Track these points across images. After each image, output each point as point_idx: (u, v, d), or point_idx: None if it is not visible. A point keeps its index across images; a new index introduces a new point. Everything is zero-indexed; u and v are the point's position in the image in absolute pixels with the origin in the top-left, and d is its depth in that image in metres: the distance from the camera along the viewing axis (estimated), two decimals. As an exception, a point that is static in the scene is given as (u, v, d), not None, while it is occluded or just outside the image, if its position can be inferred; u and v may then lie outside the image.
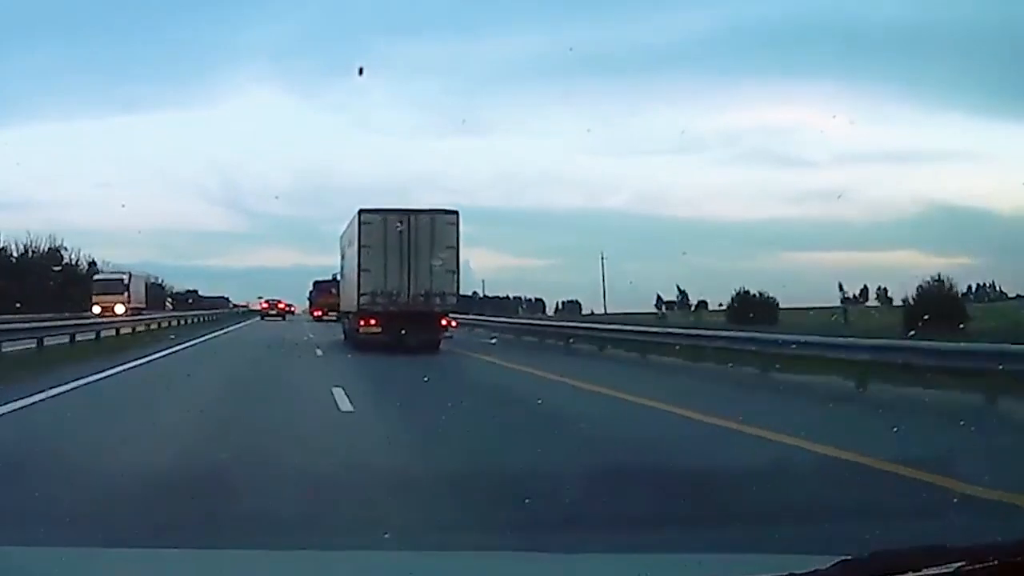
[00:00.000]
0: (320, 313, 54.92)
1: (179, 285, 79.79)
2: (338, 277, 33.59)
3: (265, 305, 68.32)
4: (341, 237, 30.29)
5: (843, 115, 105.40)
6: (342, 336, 29.62)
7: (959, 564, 1.94)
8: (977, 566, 1.95)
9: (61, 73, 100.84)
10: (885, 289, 62.90)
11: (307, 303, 63.23)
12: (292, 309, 69.52)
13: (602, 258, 64.87)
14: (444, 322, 25.22)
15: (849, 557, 2.11)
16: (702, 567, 2.91)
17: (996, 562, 1.96)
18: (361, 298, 24.57)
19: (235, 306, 72.40)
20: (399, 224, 24.35)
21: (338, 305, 49.87)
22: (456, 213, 25.24)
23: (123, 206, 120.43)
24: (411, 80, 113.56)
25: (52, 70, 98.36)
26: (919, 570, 1.94)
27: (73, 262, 64.97)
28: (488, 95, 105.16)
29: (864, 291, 67.97)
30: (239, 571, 2.93)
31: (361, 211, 24.78)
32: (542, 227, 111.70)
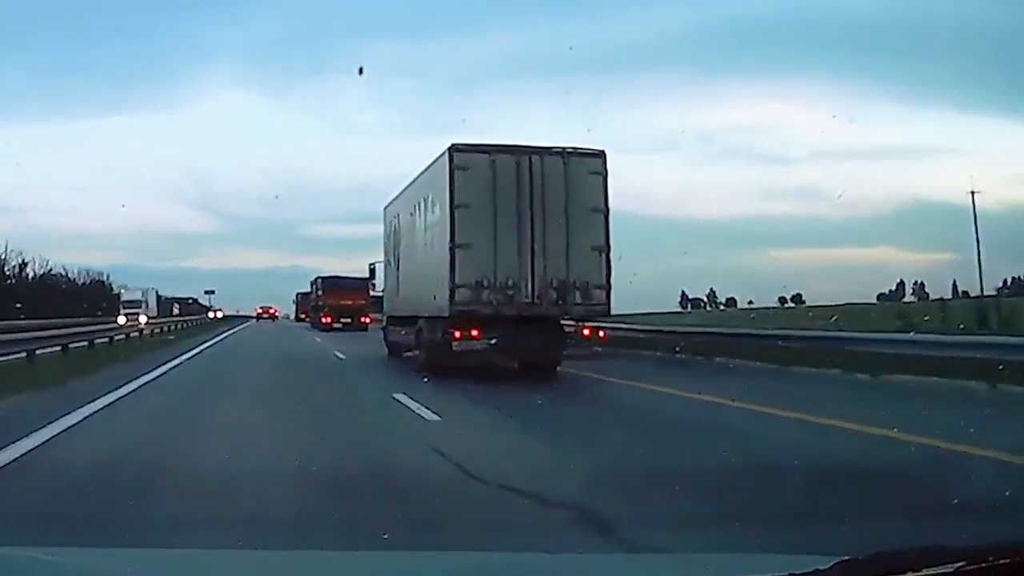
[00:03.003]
0: (304, 316, 65.86)
1: (164, 290, 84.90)
2: (378, 267, 24.48)
3: (260, 310, 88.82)
4: (390, 207, 21.92)
5: (826, 112, 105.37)
6: (379, 349, 23.22)
7: (959, 564, 1.94)
8: (977, 566, 1.95)
9: (33, 77, 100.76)
10: (922, 284, 62.60)
11: (292, 308, 79.22)
12: (275, 314, 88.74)
13: None
14: (587, 332, 16.32)
15: (849, 557, 2.11)
16: (702, 567, 2.91)
17: (996, 562, 1.96)
18: (456, 293, 15.10)
19: (209, 309, 77.43)
20: (515, 169, 15.33)
21: (312, 310, 53.74)
22: (602, 155, 15.64)
23: (108, 214, 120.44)
24: (387, 81, 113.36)
25: (24, 74, 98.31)
26: (919, 570, 1.94)
27: (38, 273, 64.86)
28: (462, 95, 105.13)
29: (900, 286, 67.64)
30: (239, 571, 2.93)
31: (454, 148, 15.39)
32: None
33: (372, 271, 25.68)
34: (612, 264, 15.54)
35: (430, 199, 16.78)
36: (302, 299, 72.31)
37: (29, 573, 2.61)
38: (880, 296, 58.94)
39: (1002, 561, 1.95)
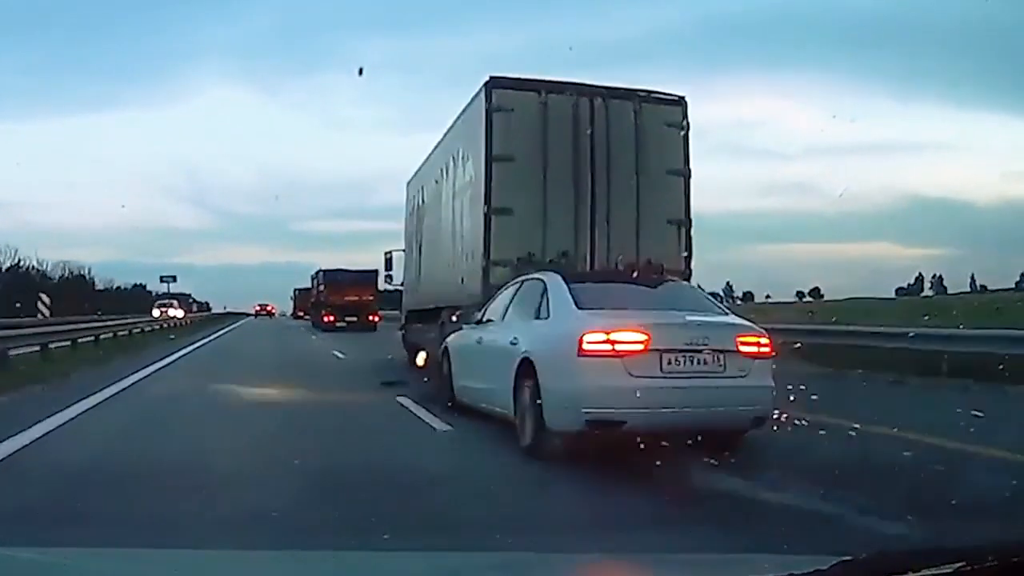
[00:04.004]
0: (302, 312, 64.60)
1: (154, 286, 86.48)
2: (395, 257, 20.89)
3: (258, 308, 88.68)
4: (413, 181, 18.52)
5: (823, 108, 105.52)
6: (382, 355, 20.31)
7: (959, 564, 1.94)
8: (977, 566, 1.95)
9: (25, 72, 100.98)
10: (940, 278, 62.42)
11: (290, 304, 78.12)
12: (272, 311, 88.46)
13: None
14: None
15: (849, 557, 2.11)
16: (703, 567, 2.90)
17: (996, 562, 1.96)
18: (491, 272, 11.69)
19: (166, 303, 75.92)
20: (572, 114, 11.95)
21: (312, 307, 51.29)
22: (683, 103, 12.34)
23: (101, 210, 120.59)
24: (381, 78, 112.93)
25: (15, 70, 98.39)
26: (919, 570, 1.94)
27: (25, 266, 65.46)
28: (455, 92, 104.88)
29: (919, 280, 67.55)
30: (238, 571, 2.92)
31: (493, 82, 11.96)
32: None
33: (388, 261, 21.52)
34: (693, 243, 12.19)
35: (460, 154, 13.33)
36: (300, 295, 70.61)
37: (29, 573, 2.61)
38: (899, 291, 58.62)
39: (1002, 561, 1.95)
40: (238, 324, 55.69)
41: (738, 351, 7.70)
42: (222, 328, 45.59)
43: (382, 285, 26.44)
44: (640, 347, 7.51)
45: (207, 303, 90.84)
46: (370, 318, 43.93)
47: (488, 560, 3.34)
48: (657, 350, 7.51)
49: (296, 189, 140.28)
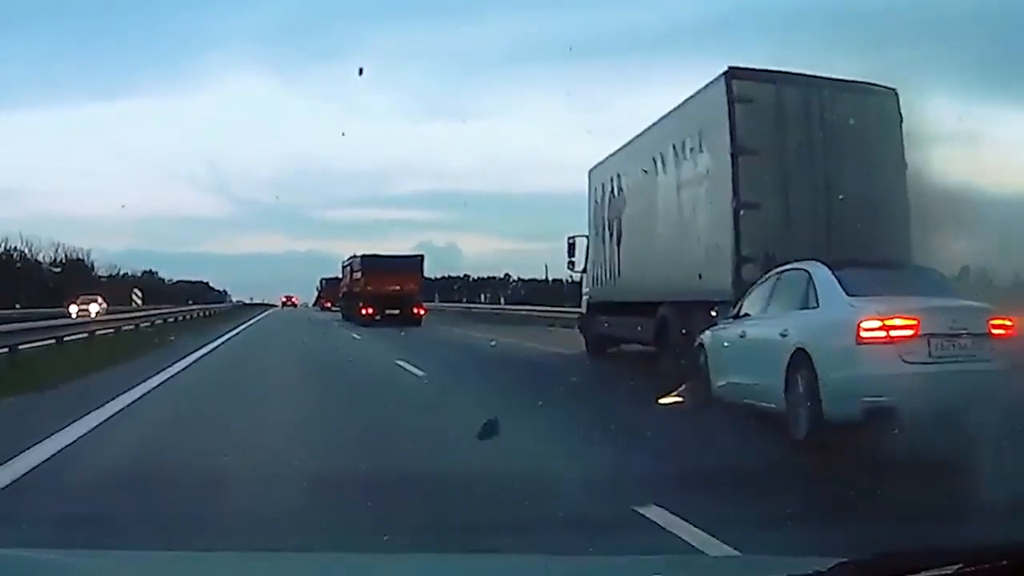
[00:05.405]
0: (329, 304, 63.18)
1: (172, 274, 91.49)
2: (578, 243, 20.08)
3: (284, 299, 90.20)
4: (601, 168, 18.26)
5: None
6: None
7: (959, 565, 1.94)
8: (977, 567, 1.95)
9: (46, 61, 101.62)
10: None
11: (315, 295, 79.88)
12: (296, 302, 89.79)
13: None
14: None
15: (849, 558, 2.11)
16: (702, 568, 2.90)
17: (996, 562, 1.96)
18: (743, 268, 11.33)
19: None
20: (805, 107, 11.75)
21: (344, 298, 47.24)
22: (895, 93, 11.96)
23: (121, 198, 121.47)
24: (399, 66, 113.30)
25: (36, 58, 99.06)
26: (919, 571, 1.94)
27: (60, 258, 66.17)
28: (475, 82, 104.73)
29: (964, 271, 67.33)
30: (238, 572, 2.92)
31: (733, 72, 11.83)
32: (530, 210, 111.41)
33: (571, 246, 20.41)
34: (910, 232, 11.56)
35: (686, 144, 12.96)
36: (327, 285, 67.27)
37: (29, 574, 2.60)
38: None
39: (1002, 561, 1.95)
40: (257, 319, 47.01)
41: (990, 334, 7.74)
42: (239, 325, 36.28)
43: (565, 272, 24.03)
44: (911, 332, 7.58)
45: (224, 291, 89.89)
46: (415, 311, 38.55)
47: (489, 561, 3.33)
48: (926, 335, 7.58)
49: (315, 177, 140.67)
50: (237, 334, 29.68)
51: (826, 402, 7.63)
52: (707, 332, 10.72)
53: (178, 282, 79.01)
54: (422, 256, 42.12)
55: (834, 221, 11.51)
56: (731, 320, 10.15)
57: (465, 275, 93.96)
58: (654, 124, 14.94)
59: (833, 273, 8.65)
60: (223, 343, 24.24)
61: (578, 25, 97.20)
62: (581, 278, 20.57)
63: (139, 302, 47.95)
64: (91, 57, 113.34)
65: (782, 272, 9.62)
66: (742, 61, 12.35)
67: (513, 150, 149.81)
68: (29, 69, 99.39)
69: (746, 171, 11.53)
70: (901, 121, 11.94)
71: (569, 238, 20.95)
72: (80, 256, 72.32)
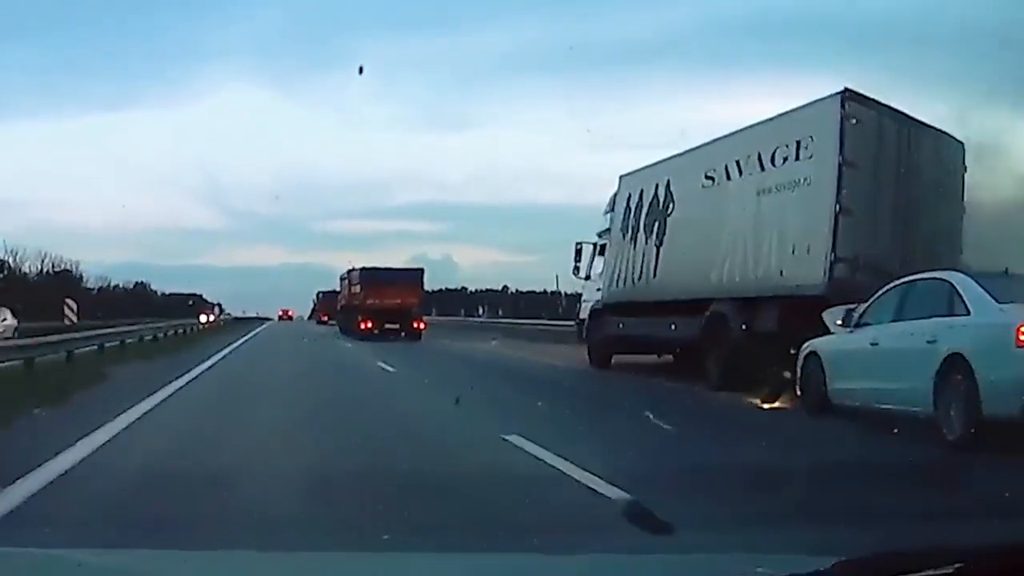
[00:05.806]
0: (326, 317, 64.17)
1: (168, 287, 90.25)
2: (585, 249, 20.95)
3: (281, 313, 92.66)
4: (636, 176, 18.97)
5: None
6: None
7: (959, 564, 1.94)
8: (977, 566, 1.95)
9: (44, 72, 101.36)
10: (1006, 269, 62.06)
11: (311, 308, 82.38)
12: (292, 315, 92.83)
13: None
14: None
15: (849, 557, 2.11)
16: (702, 567, 2.90)
17: (996, 562, 1.96)
18: (835, 268, 12.67)
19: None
20: (896, 137, 13.31)
21: (338, 311, 50.62)
22: (963, 145, 13.89)
23: (118, 210, 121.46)
24: (396, 76, 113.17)
25: (35, 68, 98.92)
26: (919, 570, 1.94)
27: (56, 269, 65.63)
28: (472, 93, 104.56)
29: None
30: (238, 572, 2.92)
31: (848, 93, 13.14)
32: (526, 222, 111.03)
33: (578, 252, 21.21)
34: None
35: (777, 154, 14.07)
36: (324, 299, 68.36)
37: (29, 573, 2.61)
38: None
39: (1002, 561, 1.95)
40: (253, 334, 43.09)
41: None
42: (219, 351, 24.15)
43: (568, 279, 23.97)
44: None
45: (218, 304, 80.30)
46: (415, 325, 37.90)
47: (489, 561, 3.33)
48: None
49: (313, 189, 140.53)
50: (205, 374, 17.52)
51: (986, 402, 8.13)
52: (818, 340, 11.25)
53: (171, 295, 77.64)
54: (423, 269, 42.15)
55: (908, 236, 13.05)
56: (851, 329, 10.55)
57: (463, 287, 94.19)
58: (723, 137, 16.19)
59: (977, 282, 9.11)
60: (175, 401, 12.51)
61: (576, 37, 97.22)
62: (584, 285, 20.71)
63: (73, 318, 32.63)
64: (88, 68, 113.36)
65: (912, 282, 10.07)
66: (742, 68, 13.51)
67: (510, 161, 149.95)
68: (26, 79, 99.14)
69: (848, 181, 12.83)
70: (965, 170, 13.65)
71: (576, 244, 21.38)
72: (68, 267, 69.27)
